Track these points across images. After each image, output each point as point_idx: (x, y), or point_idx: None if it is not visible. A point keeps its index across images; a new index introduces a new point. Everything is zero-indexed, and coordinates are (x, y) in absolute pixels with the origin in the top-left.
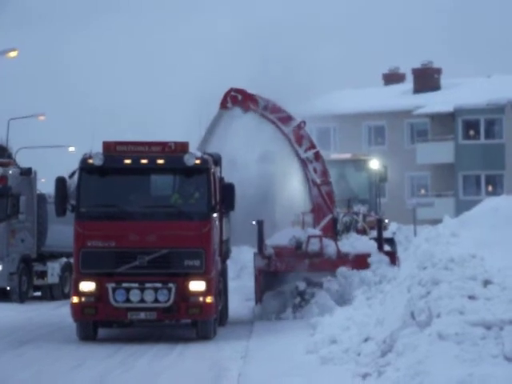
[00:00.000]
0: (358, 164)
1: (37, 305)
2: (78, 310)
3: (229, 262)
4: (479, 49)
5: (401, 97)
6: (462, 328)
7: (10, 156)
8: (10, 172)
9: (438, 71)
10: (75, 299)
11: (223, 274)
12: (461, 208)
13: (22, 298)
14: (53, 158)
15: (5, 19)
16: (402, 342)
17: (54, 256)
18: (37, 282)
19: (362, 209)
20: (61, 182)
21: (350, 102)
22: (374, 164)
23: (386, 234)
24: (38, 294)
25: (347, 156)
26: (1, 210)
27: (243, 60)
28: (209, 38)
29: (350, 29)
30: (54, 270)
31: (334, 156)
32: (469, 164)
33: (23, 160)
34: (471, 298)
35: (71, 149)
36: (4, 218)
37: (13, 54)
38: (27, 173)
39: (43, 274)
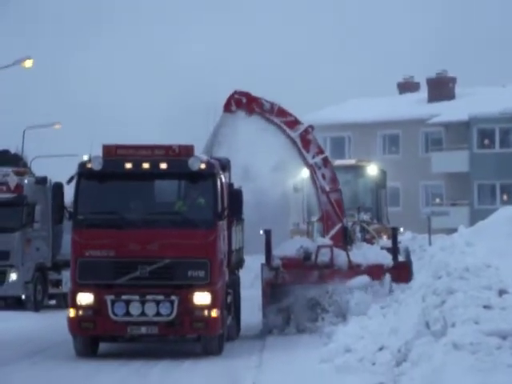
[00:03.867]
0: (356, 170)
1: (52, 313)
2: (75, 324)
3: (242, 272)
4: (494, 58)
5: (415, 106)
6: (477, 338)
7: (25, 165)
8: (26, 181)
9: (453, 80)
10: (72, 312)
11: (234, 285)
12: (476, 217)
13: (37, 306)
14: (68, 167)
15: (18, 27)
16: (417, 351)
17: (69, 265)
18: (52, 290)
19: (364, 217)
20: (58, 189)
21: (364, 111)
22: (372, 170)
23: (389, 244)
24: (53, 302)
25: (351, 162)
26: (16, 218)
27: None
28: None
29: (364, 38)
30: (68, 278)
31: (338, 162)
32: (484, 173)
33: (38, 169)
34: (486, 307)
35: (86, 157)
36: (19, 227)
37: (28, 63)
38: (42, 182)
39: (58, 283)
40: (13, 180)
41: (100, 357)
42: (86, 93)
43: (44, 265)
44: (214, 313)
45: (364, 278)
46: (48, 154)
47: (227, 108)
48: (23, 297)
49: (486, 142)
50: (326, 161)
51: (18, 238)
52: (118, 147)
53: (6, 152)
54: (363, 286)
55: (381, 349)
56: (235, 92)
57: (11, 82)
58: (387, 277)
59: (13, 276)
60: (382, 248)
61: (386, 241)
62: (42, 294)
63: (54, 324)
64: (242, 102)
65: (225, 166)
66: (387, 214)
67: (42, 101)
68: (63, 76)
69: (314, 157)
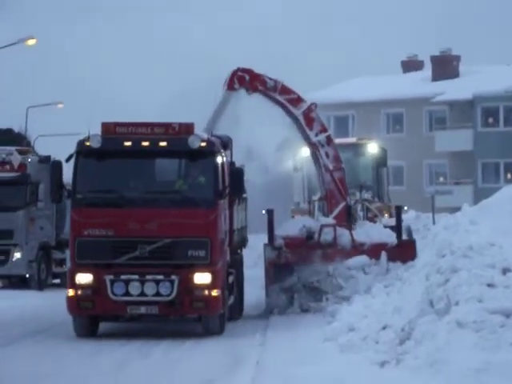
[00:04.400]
0: (357, 148)
1: (56, 292)
2: (73, 304)
3: (246, 251)
4: (499, 36)
5: (419, 84)
6: (481, 316)
7: (28, 144)
8: (29, 160)
9: (457, 58)
10: (71, 292)
11: (236, 264)
12: (479, 196)
13: (41, 285)
14: (71, 146)
15: (22, 7)
16: (421, 329)
17: None
18: (55, 269)
19: (365, 195)
20: (56, 167)
21: (368, 90)
22: (373, 148)
23: (393, 222)
24: (57, 281)
25: (352, 140)
26: (20, 197)
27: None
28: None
29: (368, 16)
30: None
31: (338, 140)
32: (488, 152)
33: (42, 148)
34: (490, 285)
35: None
36: (23, 206)
37: (31, 41)
38: (46, 161)
39: (62, 262)
40: (16, 159)
41: (102, 336)
42: (88, 72)
43: (48, 244)
44: (215, 292)
45: (362, 258)
46: (51, 133)
47: (230, 86)
48: (27, 276)
49: (490, 120)
50: (329, 139)
51: (22, 217)
52: (117, 125)
53: (9, 131)
54: (361, 266)
55: (384, 327)
56: (238, 69)
57: (15, 61)
58: (383, 255)
59: (17, 255)
60: (385, 227)
61: (388, 219)
62: (45, 272)
63: (57, 303)
64: (245, 80)
65: (226, 143)
66: (388, 192)
67: (46, 80)
68: (66, 55)
69: (317, 135)
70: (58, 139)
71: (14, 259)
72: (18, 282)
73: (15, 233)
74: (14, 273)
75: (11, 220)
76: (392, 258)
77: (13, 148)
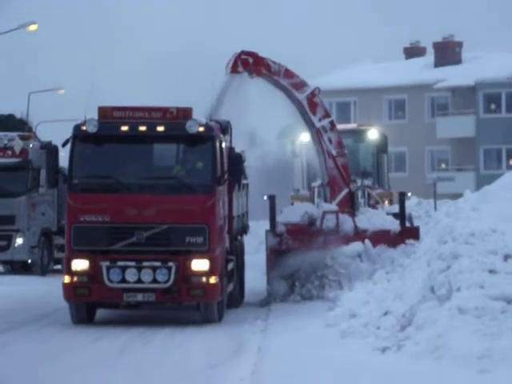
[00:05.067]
0: (357, 134)
1: (57, 278)
2: (69, 291)
3: (247, 237)
4: (501, 22)
5: (421, 70)
6: (482, 302)
7: (30, 130)
8: (31, 145)
9: (459, 45)
10: (67, 279)
11: (237, 251)
12: (481, 182)
13: (44, 271)
14: None
15: None
16: (422, 316)
17: None
18: (57, 255)
19: (366, 182)
20: (52, 151)
21: (370, 76)
22: (373, 134)
23: (395, 209)
24: (59, 267)
25: (352, 126)
26: (21, 183)
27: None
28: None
29: (371, 2)
30: None
31: (338, 127)
32: (490, 138)
33: (43, 134)
34: (491, 272)
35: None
36: (25, 192)
37: (33, 27)
38: (48, 146)
39: (63, 248)
40: (18, 144)
41: (102, 323)
42: (90, 58)
43: (49, 229)
44: (213, 279)
45: (357, 245)
46: (53, 118)
47: (233, 69)
48: (29, 261)
49: (493, 106)
50: (332, 124)
51: (24, 203)
52: (114, 109)
53: (11, 117)
54: (357, 254)
55: (385, 313)
56: (242, 52)
57: (16, 47)
58: (367, 242)
59: (19, 240)
60: (387, 214)
61: (389, 206)
62: (47, 258)
63: (59, 288)
64: (249, 63)
65: (225, 128)
66: (388, 179)
67: (47, 66)
68: (68, 41)
69: (320, 120)
70: (59, 125)
71: (16, 245)
72: (19, 268)
73: (17, 218)
74: (16, 258)
75: (13, 206)
76: (395, 245)
77: (14, 134)
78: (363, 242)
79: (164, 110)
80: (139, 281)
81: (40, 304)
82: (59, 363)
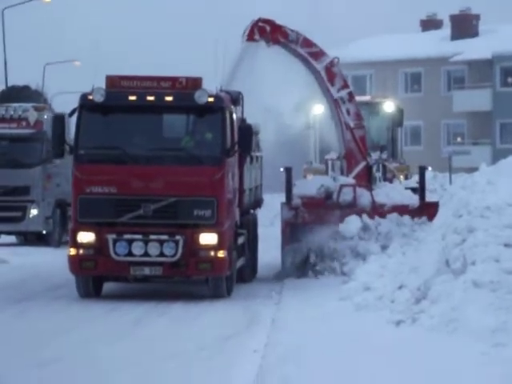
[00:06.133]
0: (372, 107)
1: None
2: (75, 264)
3: (262, 210)
4: None
5: (438, 43)
6: (498, 276)
7: (45, 101)
8: (45, 117)
9: (477, 17)
10: (72, 251)
11: (248, 225)
12: (498, 156)
13: (58, 242)
14: None
15: None
16: (437, 289)
17: None
18: None
19: (381, 156)
20: (59, 121)
21: (386, 49)
22: (389, 107)
23: (411, 184)
24: None
25: (366, 98)
26: (36, 154)
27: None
28: None
29: None
30: None
31: None
32: (506, 112)
33: (59, 105)
34: (507, 245)
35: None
36: (39, 163)
37: None
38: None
39: None
40: (33, 115)
41: (114, 296)
42: (105, 29)
43: (64, 201)
44: (221, 253)
45: (356, 220)
46: (68, 90)
47: (250, 36)
48: (44, 232)
49: (510, 80)
50: (351, 95)
51: (39, 174)
52: (121, 78)
53: (26, 88)
54: (357, 229)
55: (400, 287)
56: (259, 19)
57: (32, 18)
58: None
59: (33, 211)
60: (406, 188)
61: (405, 181)
62: (61, 229)
63: None
64: (266, 30)
65: (236, 99)
66: (402, 152)
67: (63, 37)
68: (83, 12)
69: (338, 90)
70: (74, 97)
71: (30, 216)
72: (33, 240)
73: (32, 189)
74: (31, 229)
75: (28, 176)
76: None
77: (29, 105)
78: (381, 216)
79: (173, 80)
80: (146, 254)
81: (54, 275)
82: (75, 333)
